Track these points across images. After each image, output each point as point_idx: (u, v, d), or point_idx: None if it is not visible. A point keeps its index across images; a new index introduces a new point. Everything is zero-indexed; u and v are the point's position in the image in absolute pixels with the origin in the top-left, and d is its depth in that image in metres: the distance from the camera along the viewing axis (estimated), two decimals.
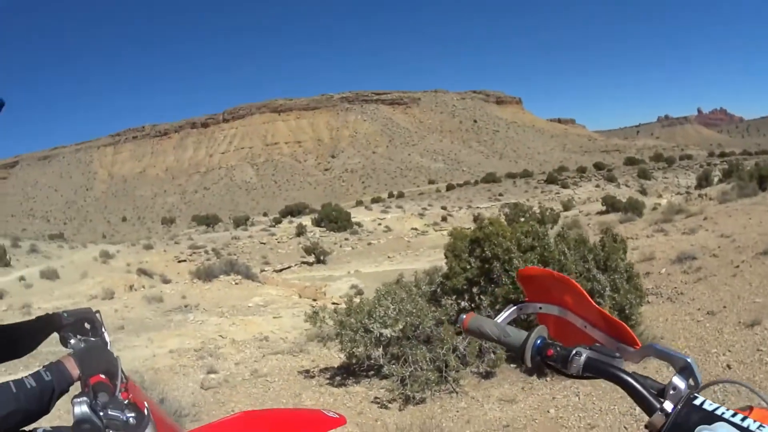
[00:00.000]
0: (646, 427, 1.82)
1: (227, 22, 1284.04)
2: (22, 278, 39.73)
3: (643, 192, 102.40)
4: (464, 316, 2.33)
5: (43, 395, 2.54)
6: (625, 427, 8.06)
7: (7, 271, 43.48)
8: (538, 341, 2.12)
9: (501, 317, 2.37)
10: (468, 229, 15.94)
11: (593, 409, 9.02)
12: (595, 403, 9.19)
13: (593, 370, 1.95)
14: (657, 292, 15.20)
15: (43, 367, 2.64)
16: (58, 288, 36.89)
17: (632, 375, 1.88)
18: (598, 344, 2.07)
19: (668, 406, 1.78)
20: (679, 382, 1.80)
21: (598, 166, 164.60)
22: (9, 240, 59.55)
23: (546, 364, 2.09)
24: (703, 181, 70.67)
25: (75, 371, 2.70)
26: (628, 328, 2.07)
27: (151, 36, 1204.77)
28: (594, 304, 2.15)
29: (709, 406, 1.70)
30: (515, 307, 2.44)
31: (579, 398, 9.54)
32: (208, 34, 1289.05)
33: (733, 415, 1.64)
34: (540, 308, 2.42)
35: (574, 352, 1.99)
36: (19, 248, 56.19)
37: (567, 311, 2.31)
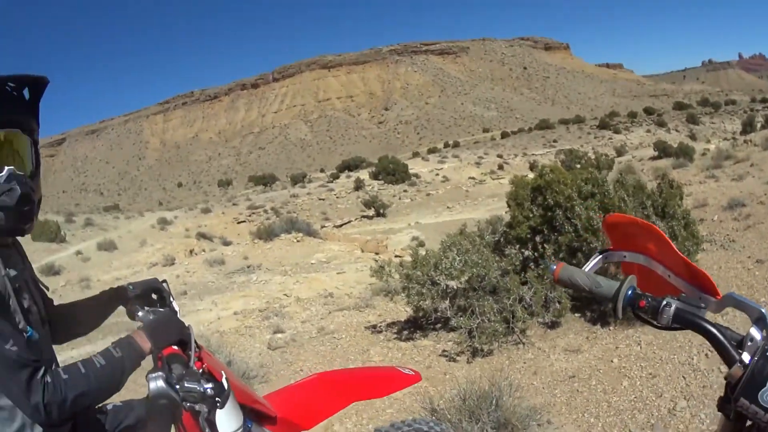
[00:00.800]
0: (726, 378, 1.88)
1: None
2: (78, 252, 39.74)
3: (693, 137, 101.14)
4: (554, 267, 2.37)
5: (114, 373, 2.57)
6: (683, 377, 8.02)
7: (63, 246, 43.43)
8: (629, 292, 2.15)
9: (588, 266, 2.43)
10: (526, 176, 15.87)
11: (654, 358, 8.95)
12: (656, 353, 9.12)
13: (682, 321, 1.99)
14: (711, 239, 15.00)
15: (113, 343, 2.66)
16: (117, 259, 37.28)
17: (717, 327, 1.91)
18: (683, 294, 2.10)
19: (746, 357, 1.83)
20: (756, 334, 1.85)
21: (648, 111, 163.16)
22: (63, 216, 59.49)
23: (636, 315, 2.14)
24: (748, 126, 69.78)
25: (146, 345, 2.72)
26: (710, 277, 2.09)
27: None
28: (678, 252, 2.18)
29: None
30: (601, 255, 2.51)
31: (641, 347, 9.48)
32: None
33: None
34: (625, 257, 2.47)
35: (664, 303, 2.03)
36: (74, 223, 56.10)
37: (651, 260, 2.35)
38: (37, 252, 37.17)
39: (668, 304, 2.02)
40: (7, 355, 2.37)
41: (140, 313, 3.41)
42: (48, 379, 2.41)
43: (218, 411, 2.67)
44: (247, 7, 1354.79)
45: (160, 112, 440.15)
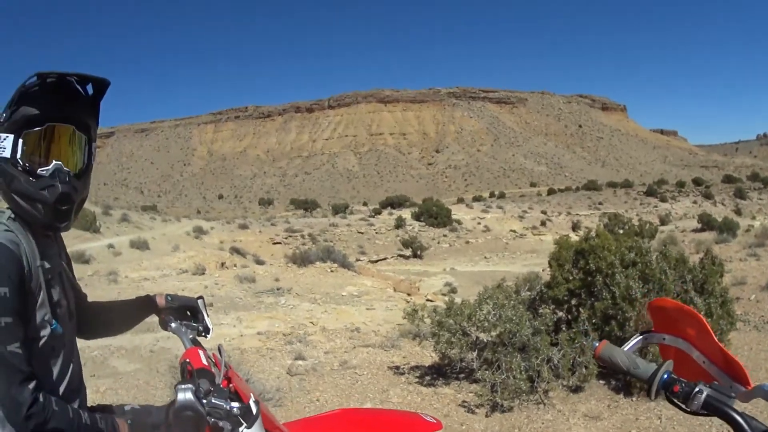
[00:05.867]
0: None
1: (335, 8, 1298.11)
2: (111, 246, 40.22)
3: (738, 212, 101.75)
4: (597, 344, 2.47)
5: None
6: None
7: (96, 237, 44.02)
8: (665, 376, 2.21)
9: (628, 345, 2.51)
10: (569, 237, 15.81)
11: None
12: (676, 428, 9.14)
13: (711, 408, 2.04)
14: (745, 318, 15.06)
15: (100, 416, 2.69)
16: (147, 259, 37.46)
17: (744, 416, 1.95)
18: (716, 382, 2.15)
19: None
20: None
21: (697, 182, 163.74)
22: (100, 207, 59.94)
23: (668, 398, 2.19)
24: None
25: None
26: (743, 367, 2.13)
27: (258, 17, 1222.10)
28: (716, 341, 2.23)
29: None
30: (641, 336, 2.60)
31: (661, 421, 9.49)
32: (316, 20, 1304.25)
33: None
34: (664, 339, 2.53)
35: (696, 389, 2.08)
36: (110, 216, 56.73)
37: (690, 345, 2.39)
38: (69, 238, 37.27)
39: (700, 391, 2.10)
40: (6, 356, 2.41)
41: (173, 325, 3.47)
42: (40, 397, 2.46)
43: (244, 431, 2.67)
44: (310, 31, 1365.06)
45: (212, 122, 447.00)
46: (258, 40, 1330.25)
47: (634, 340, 2.57)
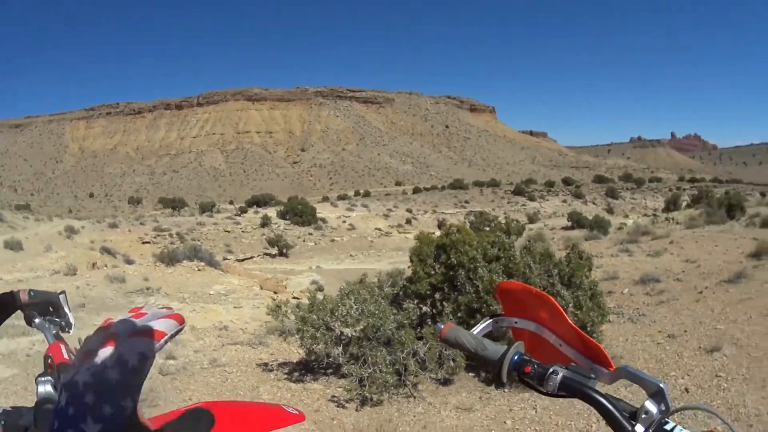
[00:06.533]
0: None
1: (209, 5, 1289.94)
2: None
3: (610, 211, 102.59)
4: (442, 326, 2.30)
5: None
6: None
7: None
8: (516, 357, 2.11)
9: (477, 329, 2.36)
10: (434, 234, 15.89)
11: (549, 423, 8.96)
12: (552, 418, 9.15)
13: (568, 389, 1.95)
14: (619, 311, 15.29)
15: None
16: (21, 260, 36.67)
17: (606, 397, 1.88)
18: (573, 364, 2.07)
19: (640, 429, 1.79)
20: (651, 407, 1.81)
21: (567, 182, 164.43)
22: None
23: (522, 380, 2.08)
24: (671, 204, 70.67)
25: None
26: (603, 349, 2.07)
27: (131, 11, 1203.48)
28: (570, 322, 2.15)
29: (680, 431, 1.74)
30: (491, 320, 2.44)
31: (536, 411, 9.53)
32: (189, 16, 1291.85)
33: None
34: (516, 323, 2.40)
35: (551, 370, 1.99)
36: None
37: (543, 328, 2.30)
38: None
39: (555, 372, 2.00)
40: None
41: (36, 320, 3.35)
42: None
43: None
44: (182, 26, 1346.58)
45: (84, 118, 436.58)
46: (132, 33, 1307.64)
47: (484, 324, 2.42)
